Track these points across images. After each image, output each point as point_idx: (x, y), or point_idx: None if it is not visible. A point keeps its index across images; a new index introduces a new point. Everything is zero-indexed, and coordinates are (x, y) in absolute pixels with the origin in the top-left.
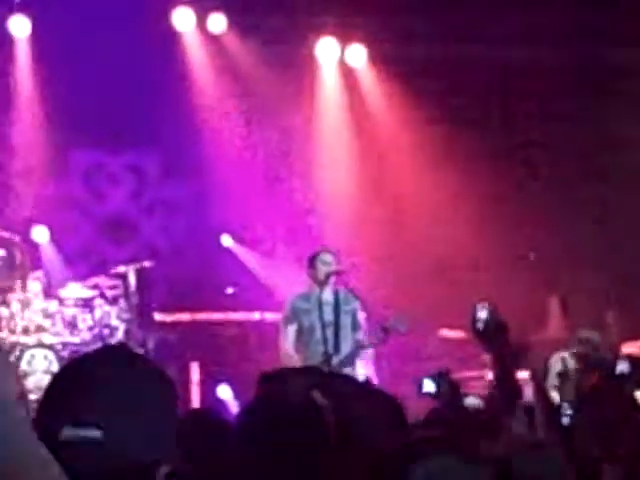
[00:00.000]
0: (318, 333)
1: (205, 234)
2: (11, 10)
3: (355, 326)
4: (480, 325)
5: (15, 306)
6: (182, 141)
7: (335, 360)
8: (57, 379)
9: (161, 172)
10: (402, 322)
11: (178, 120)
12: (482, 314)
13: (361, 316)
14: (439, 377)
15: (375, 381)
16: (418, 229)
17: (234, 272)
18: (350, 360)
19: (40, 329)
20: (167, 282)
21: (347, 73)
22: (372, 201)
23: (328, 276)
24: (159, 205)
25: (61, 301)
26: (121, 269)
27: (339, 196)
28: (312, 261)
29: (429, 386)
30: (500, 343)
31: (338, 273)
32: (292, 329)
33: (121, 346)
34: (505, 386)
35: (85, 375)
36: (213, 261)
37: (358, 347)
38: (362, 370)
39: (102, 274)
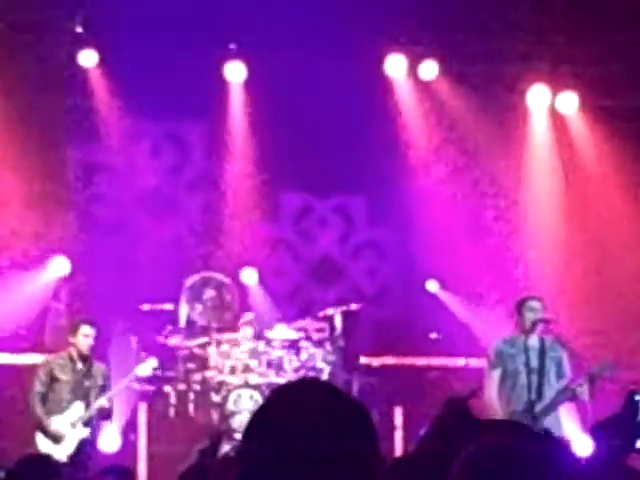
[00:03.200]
0: (522, 378)
1: (411, 279)
2: (227, 56)
3: (560, 374)
4: None
5: (224, 346)
6: (389, 185)
7: (538, 407)
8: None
9: (368, 216)
10: (607, 368)
11: (386, 164)
12: None
13: (567, 365)
14: None
15: (580, 430)
16: (627, 279)
17: (439, 317)
18: (553, 408)
19: (247, 369)
20: (372, 325)
21: (557, 120)
22: (580, 249)
23: (535, 323)
24: (366, 249)
25: (268, 342)
26: (328, 312)
27: (547, 243)
28: (519, 307)
29: None
30: None
31: (545, 321)
32: (496, 373)
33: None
34: None
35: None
36: (418, 306)
37: (562, 395)
38: (566, 419)
39: (309, 316)
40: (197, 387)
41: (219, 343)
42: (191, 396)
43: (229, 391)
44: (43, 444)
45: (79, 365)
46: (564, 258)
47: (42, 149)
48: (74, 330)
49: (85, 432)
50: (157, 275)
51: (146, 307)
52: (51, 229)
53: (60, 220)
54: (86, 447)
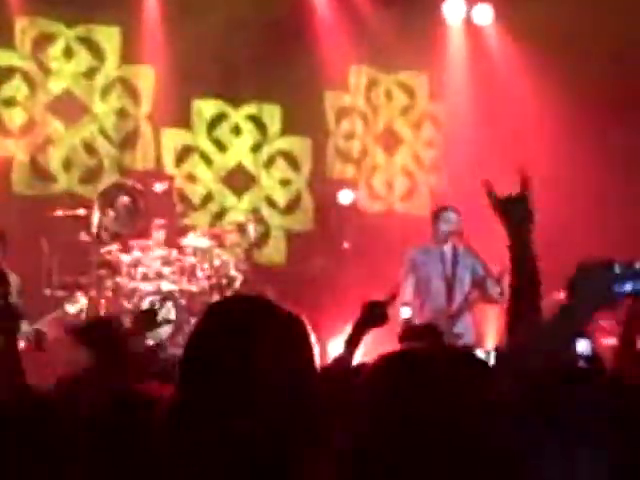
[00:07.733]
0: (435, 285)
1: (324, 189)
2: None
3: (474, 282)
4: None
5: (136, 253)
6: (305, 95)
7: (452, 308)
8: None
9: (283, 125)
10: None
11: (302, 74)
12: None
13: (482, 271)
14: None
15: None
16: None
17: (351, 228)
18: (466, 306)
19: (159, 276)
20: (285, 235)
21: (474, 32)
22: (494, 164)
23: (448, 235)
24: (279, 158)
25: (180, 249)
26: (241, 220)
27: (460, 156)
28: (434, 218)
29: (584, 347)
30: None
31: (458, 234)
32: (410, 282)
33: None
34: None
35: None
36: (331, 215)
37: (475, 290)
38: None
39: (222, 224)
40: (109, 294)
41: (131, 250)
42: (102, 302)
43: (141, 298)
44: None
45: None
46: (477, 171)
47: None
48: None
49: None
50: (70, 181)
51: (59, 213)
52: None
53: None
54: None
